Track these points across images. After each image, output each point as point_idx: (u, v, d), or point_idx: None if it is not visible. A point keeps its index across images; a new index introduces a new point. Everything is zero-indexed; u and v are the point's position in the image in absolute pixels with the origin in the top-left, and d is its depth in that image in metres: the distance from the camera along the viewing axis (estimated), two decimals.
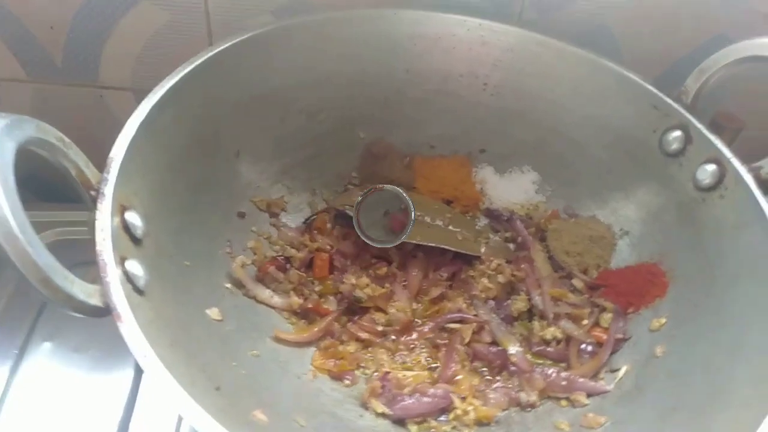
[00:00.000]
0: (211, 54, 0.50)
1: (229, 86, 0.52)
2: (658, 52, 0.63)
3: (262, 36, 0.53)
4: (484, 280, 0.54)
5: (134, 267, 0.37)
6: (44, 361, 0.52)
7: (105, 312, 0.33)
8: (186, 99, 0.47)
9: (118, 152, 0.40)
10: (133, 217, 0.39)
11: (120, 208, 0.39)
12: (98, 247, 0.35)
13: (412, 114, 0.62)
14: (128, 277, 0.36)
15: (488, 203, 0.62)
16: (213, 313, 0.45)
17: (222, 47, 0.50)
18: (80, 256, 0.50)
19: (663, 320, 0.49)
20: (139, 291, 0.36)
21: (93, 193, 0.38)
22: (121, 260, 0.36)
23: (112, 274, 0.34)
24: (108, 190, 0.38)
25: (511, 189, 0.62)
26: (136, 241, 0.39)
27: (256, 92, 0.54)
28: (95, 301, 0.32)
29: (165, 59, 0.63)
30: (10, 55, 0.63)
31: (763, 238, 0.44)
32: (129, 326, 0.32)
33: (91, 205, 0.37)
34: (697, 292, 0.48)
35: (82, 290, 0.32)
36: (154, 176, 0.44)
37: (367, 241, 0.54)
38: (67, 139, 0.37)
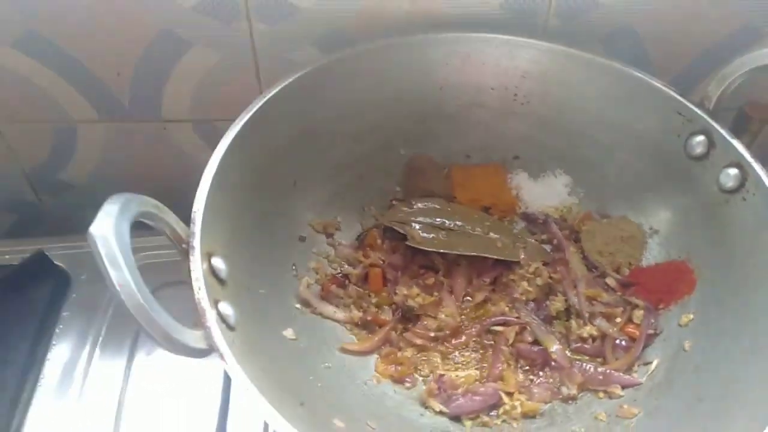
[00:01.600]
0: (264, 101, 0.55)
1: (282, 125, 0.57)
2: (685, 45, 0.65)
3: (307, 76, 0.57)
4: (524, 284, 0.60)
5: (225, 308, 0.43)
6: (148, 371, 0.61)
7: (209, 352, 0.40)
8: (246, 144, 0.53)
9: (199, 206, 0.47)
10: (218, 261, 0.46)
11: (206, 256, 0.45)
12: (196, 296, 0.42)
13: (448, 127, 0.66)
14: (222, 318, 0.43)
15: (524, 208, 0.67)
16: (288, 333, 0.52)
17: (272, 93, 0.55)
18: (163, 278, 0.58)
19: (691, 316, 0.54)
20: (231, 328, 0.43)
21: (184, 246, 0.45)
22: (215, 303, 0.43)
23: (211, 319, 0.41)
24: (196, 242, 0.44)
25: (545, 193, 0.66)
26: (222, 282, 0.46)
27: (305, 126, 0.59)
28: (201, 345, 0.39)
29: (219, 91, 0.69)
30: (83, 100, 0.70)
31: None
32: (230, 363, 0.39)
33: (184, 257, 0.44)
34: (722, 291, 0.52)
35: (191, 338, 0.39)
36: (228, 219, 0.50)
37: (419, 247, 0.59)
38: (160, 205, 0.43)
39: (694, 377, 0.49)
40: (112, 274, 0.35)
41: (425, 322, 0.58)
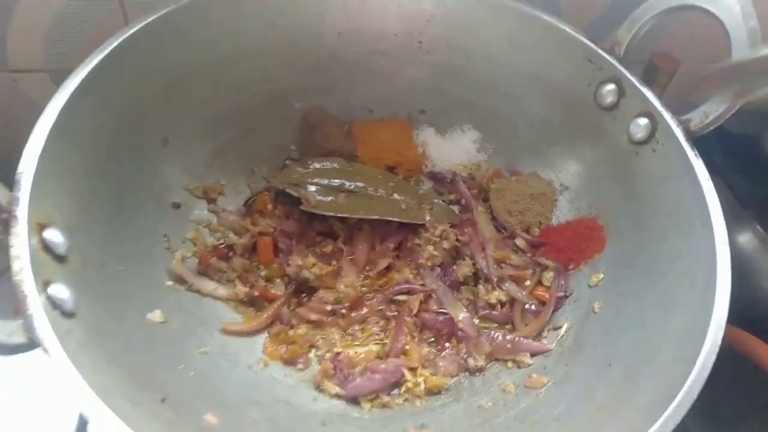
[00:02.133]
0: (122, 39, 0.46)
1: (147, 69, 0.48)
2: None
3: (178, 12, 0.49)
4: (430, 248, 0.55)
5: (60, 291, 0.35)
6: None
7: (30, 347, 0.32)
8: (101, 90, 0.44)
9: (28, 165, 0.38)
10: (54, 234, 0.38)
11: (37, 228, 0.37)
12: (15, 278, 0.34)
13: (347, 78, 0.60)
14: (54, 303, 0.35)
15: (431, 166, 0.62)
16: (155, 316, 0.45)
17: (133, 30, 0.47)
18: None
19: (600, 276, 0.51)
20: (67, 314, 0.35)
21: (5, 215, 0.36)
22: (45, 286, 0.35)
23: (35, 305, 0.33)
24: (21, 211, 0.36)
25: (452, 150, 0.62)
26: (59, 259, 0.38)
27: (177, 72, 0.51)
28: (18, 338, 0.32)
29: (77, 35, 0.59)
30: None
31: (690, 191, 0.45)
32: (57, 358, 0.32)
33: (3, 229, 0.36)
34: (631, 247, 0.49)
35: (2, 330, 0.31)
36: (73, 182, 0.42)
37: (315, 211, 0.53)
38: None
39: (603, 340, 0.46)
40: None
41: (322, 295, 0.52)
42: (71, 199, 0.41)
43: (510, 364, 0.50)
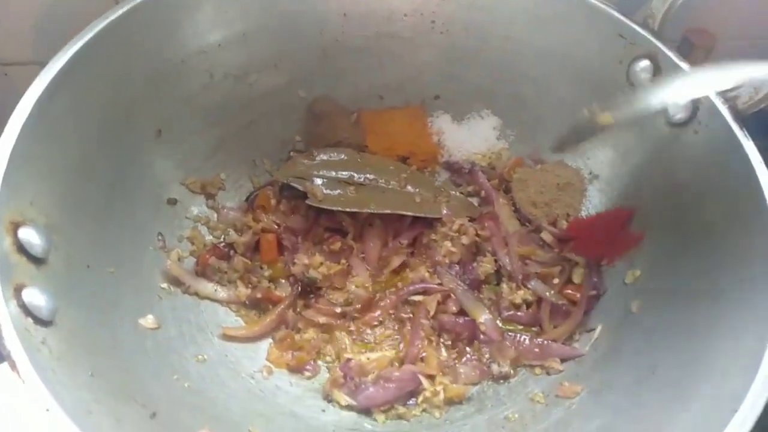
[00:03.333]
0: (114, 17, 0.43)
1: (138, 54, 0.45)
2: None
3: None
4: (447, 244, 0.50)
5: (34, 296, 0.32)
6: None
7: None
8: (84, 79, 0.41)
9: (0, 159, 0.34)
10: (29, 234, 0.34)
11: (11, 227, 0.33)
12: None
13: (354, 63, 0.56)
14: (27, 310, 0.31)
15: (447, 156, 0.58)
16: (147, 321, 0.41)
17: (120, 12, 0.43)
18: None
19: (638, 272, 0.46)
20: (43, 322, 0.32)
21: None
22: (17, 291, 0.31)
23: (2, 315, 0.29)
24: None
25: (470, 137, 0.58)
26: (36, 261, 0.34)
27: (168, 61, 0.47)
28: None
29: (69, 27, 0.55)
30: None
31: (743, 178, 0.40)
32: (25, 375, 0.28)
33: None
34: (673, 240, 0.44)
35: None
36: (56, 177, 0.38)
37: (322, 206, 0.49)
38: None
39: (645, 343, 0.41)
40: None
41: (330, 296, 0.48)
42: (52, 196, 0.38)
43: (538, 370, 0.45)
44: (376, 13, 0.54)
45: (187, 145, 0.50)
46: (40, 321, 0.32)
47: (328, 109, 0.57)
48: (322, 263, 0.49)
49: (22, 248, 0.33)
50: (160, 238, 0.47)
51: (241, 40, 0.51)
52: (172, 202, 0.49)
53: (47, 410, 0.27)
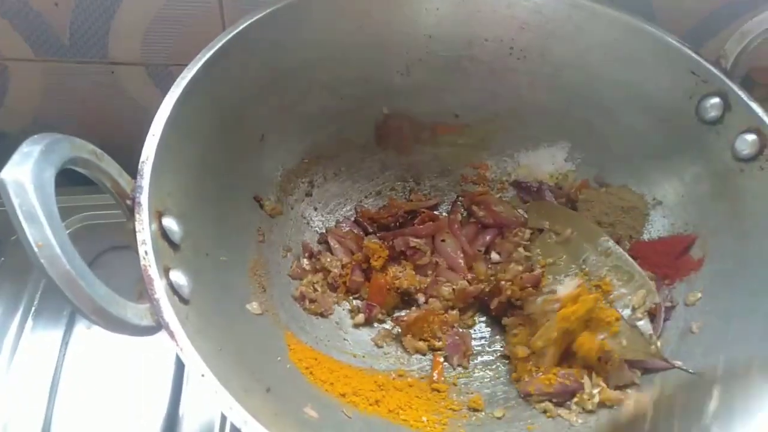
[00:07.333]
0: (228, 37, 0.47)
1: (248, 68, 0.49)
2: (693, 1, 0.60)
3: (277, 13, 0.50)
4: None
5: (178, 277, 0.36)
6: (88, 346, 0.53)
7: (157, 330, 0.33)
8: (207, 87, 0.45)
9: (148, 154, 0.39)
10: (170, 222, 0.39)
11: (156, 215, 0.38)
12: (143, 262, 0.35)
13: (434, 82, 0.60)
14: (174, 289, 0.36)
15: (515, 175, 0.61)
16: (253, 307, 0.45)
17: (237, 30, 0.48)
18: (107, 242, 0.51)
19: (698, 295, 0.49)
20: (184, 300, 0.36)
21: (129, 202, 0.37)
22: (165, 271, 0.36)
23: (160, 290, 0.34)
24: (144, 198, 0.37)
25: (539, 159, 0.61)
26: (174, 246, 0.39)
27: (275, 72, 0.52)
28: (147, 321, 0.32)
29: (175, 32, 0.61)
30: (16, 35, 0.60)
31: None
32: (182, 344, 0.32)
33: (128, 214, 0.37)
34: (733, 268, 0.47)
35: (134, 314, 0.32)
36: (185, 172, 0.43)
37: None
38: (99, 151, 0.36)
39: (703, 363, 0.45)
40: (28, 230, 0.27)
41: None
42: (183, 188, 0.42)
43: None
44: (459, 36, 0.57)
45: (284, 150, 0.55)
46: (183, 299, 0.36)
47: (401, 124, 0.61)
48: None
49: (165, 235, 0.38)
50: (260, 232, 0.52)
51: (338, 57, 0.55)
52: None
53: (202, 377, 0.32)
